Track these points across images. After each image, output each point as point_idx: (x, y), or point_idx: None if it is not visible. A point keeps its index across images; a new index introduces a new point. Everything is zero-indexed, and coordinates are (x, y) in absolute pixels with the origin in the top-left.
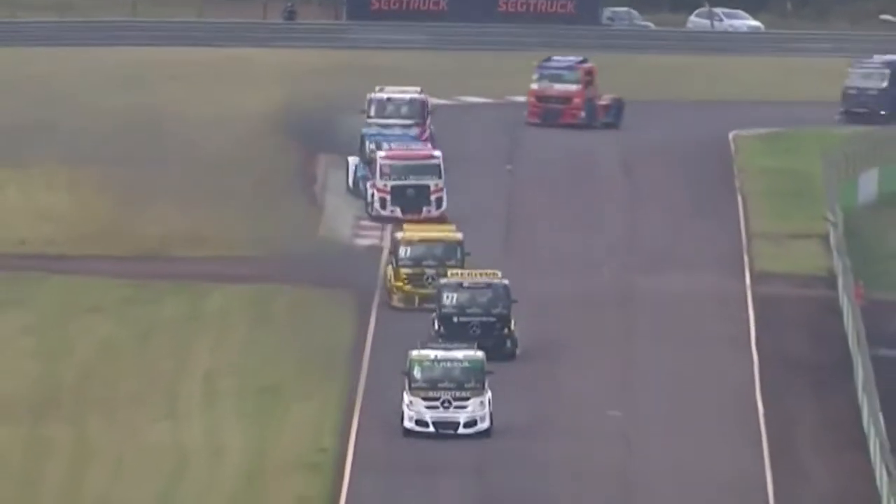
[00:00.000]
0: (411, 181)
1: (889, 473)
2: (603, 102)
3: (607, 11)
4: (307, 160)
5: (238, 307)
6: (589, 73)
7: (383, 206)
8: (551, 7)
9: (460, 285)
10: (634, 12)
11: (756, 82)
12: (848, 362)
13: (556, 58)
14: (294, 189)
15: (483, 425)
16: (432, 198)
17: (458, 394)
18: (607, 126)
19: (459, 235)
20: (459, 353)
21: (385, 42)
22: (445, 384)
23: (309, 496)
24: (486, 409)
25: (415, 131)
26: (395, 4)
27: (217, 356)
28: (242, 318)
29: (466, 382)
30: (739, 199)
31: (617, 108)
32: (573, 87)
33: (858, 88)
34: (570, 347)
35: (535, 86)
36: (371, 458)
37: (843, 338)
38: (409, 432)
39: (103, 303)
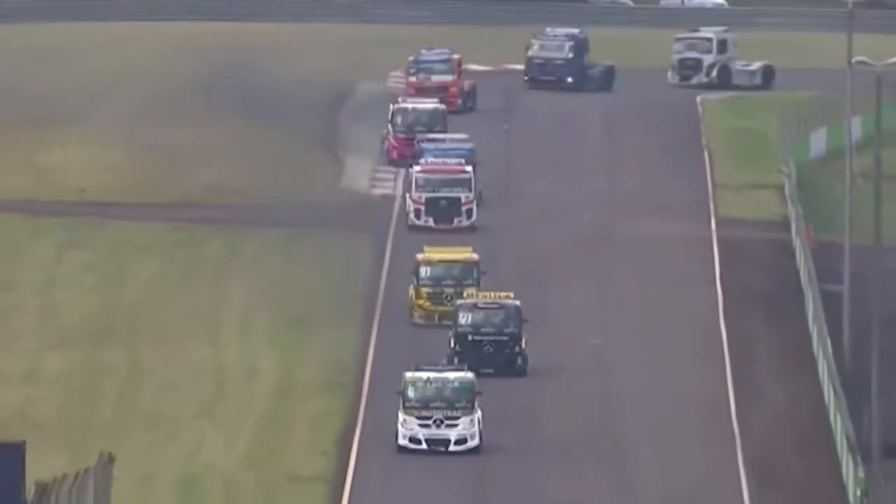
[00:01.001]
0: (444, 193)
1: (835, 392)
2: (594, 70)
3: None
4: (330, 123)
5: (270, 248)
6: (459, 63)
7: (418, 216)
8: None
9: (475, 306)
10: None
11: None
12: (800, 296)
13: (426, 51)
14: (318, 148)
15: (473, 443)
16: (463, 209)
17: (449, 413)
18: (600, 89)
19: (475, 256)
20: (451, 375)
21: (395, 17)
22: (437, 404)
23: (332, 411)
24: (476, 428)
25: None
26: None
27: (252, 291)
28: (274, 258)
29: (457, 402)
30: (706, 154)
31: (608, 73)
32: (449, 78)
33: (544, 58)
34: (555, 282)
35: (412, 78)
36: (386, 379)
37: (796, 274)
38: (402, 449)
39: (153, 244)
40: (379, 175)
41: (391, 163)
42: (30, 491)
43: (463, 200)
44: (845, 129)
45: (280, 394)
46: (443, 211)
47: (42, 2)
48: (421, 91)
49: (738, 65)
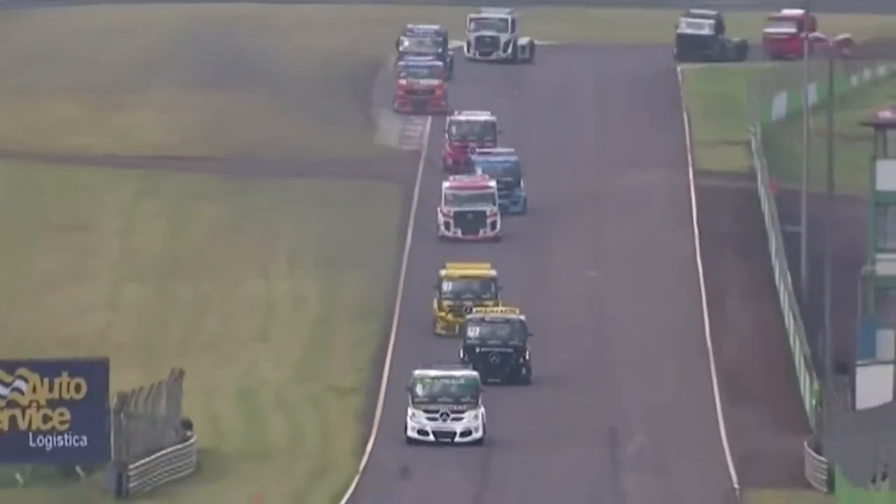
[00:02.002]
0: (470, 207)
1: (794, 317)
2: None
3: None
4: (364, 88)
5: (312, 196)
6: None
7: (447, 227)
8: None
9: (483, 320)
10: None
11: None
12: (764, 236)
13: (413, 58)
14: (355, 110)
15: (477, 435)
16: (488, 221)
17: (455, 407)
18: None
19: (493, 273)
20: (457, 372)
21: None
22: (444, 399)
23: (366, 335)
24: (480, 421)
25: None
26: None
27: (297, 232)
28: (316, 205)
29: (462, 397)
30: (685, 115)
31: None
32: (435, 81)
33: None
34: (555, 226)
35: (403, 81)
36: (413, 309)
37: (761, 217)
38: (411, 440)
39: (211, 193)
40: (408, 133)
41: (446, 168)
42: (113, 400)
43: (488, 213)
44: (803, 94)
45: (322, 320)
46: (469, 223)
47: None
48: (410, 92)
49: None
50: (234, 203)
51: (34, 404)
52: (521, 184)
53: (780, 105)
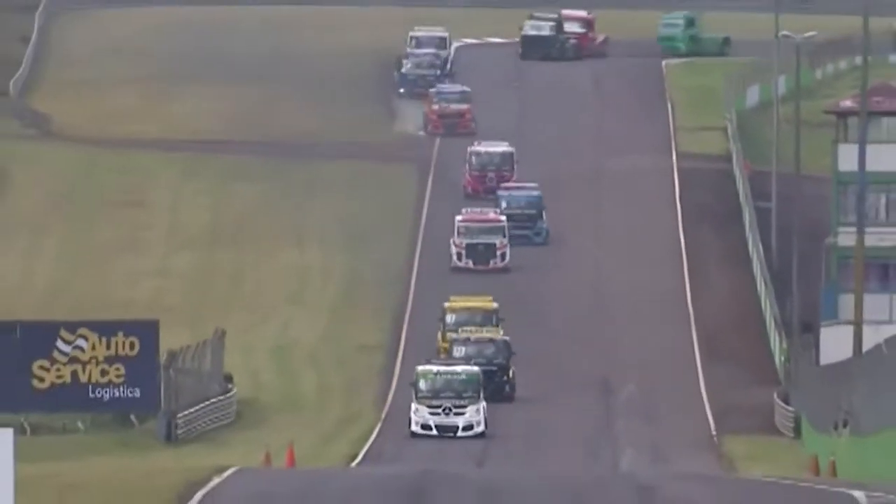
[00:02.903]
0: (481, 240)
1: (766, 283)
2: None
3: None
4: (385, 81)
5: (339, 177)
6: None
7: (459, 258)
8: None
9: (468, 340)
10: None
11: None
12: (739, 211)
13: (444, 86)
14: (377, 99)
15: (479, 429)
16: (498, 252)
17: (457, 402)
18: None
19: (495, 305)
20: (459, 368)
21: (434, 1)
22: (447, 394)
23: (387, 300)
24: (482, 416)
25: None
26: None
27: (325, 208)
28: (343, 184)
29: (464, 392)
30: (669, 105)
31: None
32: (464, 106)
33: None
34: (558, 206)
35: (435, 106)
36: (428, 278)
37: (736, 195)
38: (415, 435)
39: (250, 173)
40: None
41: (467, 196)
42: (163, 356)
43: (498, 245)
44: (773, 86)
45: (348, 287)
46: (480, 254)
47: None
48: (442, 117)
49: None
50: (270, 183)
51: (93, 360)
52: (544, 216)
53: (753, 95)
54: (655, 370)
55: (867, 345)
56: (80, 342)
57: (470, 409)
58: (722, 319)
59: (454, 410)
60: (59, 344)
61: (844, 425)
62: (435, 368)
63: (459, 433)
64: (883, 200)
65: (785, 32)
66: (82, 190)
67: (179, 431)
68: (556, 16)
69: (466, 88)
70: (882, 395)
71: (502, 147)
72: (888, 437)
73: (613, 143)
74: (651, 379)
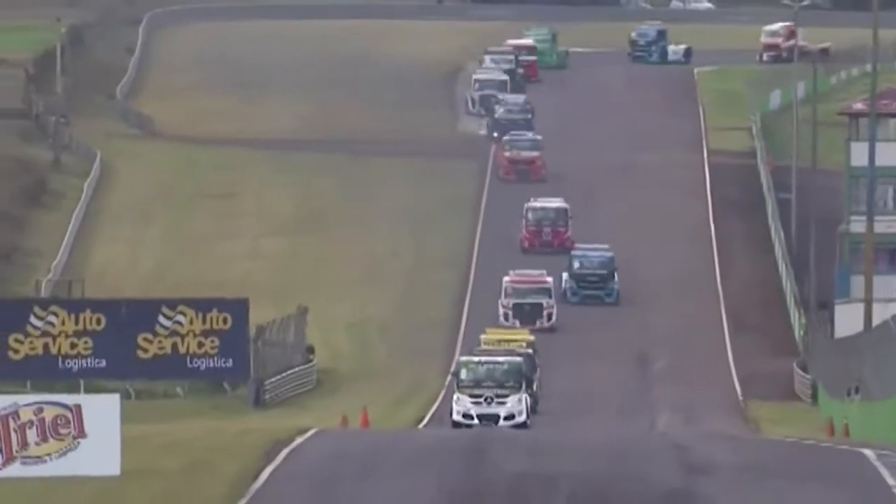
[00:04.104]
0: (529, 300)
1: (786, 266)
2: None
3: None
4: (448, 85)
5: (407, 170)
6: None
7: (506, 318)
8: None
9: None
10: None
11: (708, 39)
12: (762, 201)
13: (516, 133)
14: (440, 103)
15: (520, 419)
16: (544, 313)
17: (499, 391)
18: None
19: (531, 338)
20: (500, 357)
21: (489, 16)
22: (488, 383)
23: (451, 279)
24: (524, 405)
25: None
26: None
27: (395, 198)
28: (410, 177)
29: (506, 382)
30: (700, 106)
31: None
32: (535, 153)
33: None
34: (591, 196)
35: (507, 153)
36: (486, 260)
37: (760, 187)
38: (457, 424)
39: (329, 168)
40: (472, 100)
41: (524, 251)
42: (252, 330)
43: (544, 306)
44: (792, 90)
45: (415, 269)
46: (527, 314)
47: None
48: (514, 163)
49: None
50: (346, 176)
51: (191, 333)
52: (615, 277)
53: (775, 99)
54: (688, 342)
55: (876, 320)
56: (180, 318)
57: (512, 399)
58: (747, 297)
59: (496, 400)
60: (161, 319)
61: (856, 392)
62: (476, 358)
63: (501, 422)
64: (890, 192)
65: (803, 43)
66: (181, 183)
67: (266, 397)
68: (511, 50)
69: (538, 136)
70: (890, 365)
71: (557, 203)
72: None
73: (650, 140)
74: (684, 350)
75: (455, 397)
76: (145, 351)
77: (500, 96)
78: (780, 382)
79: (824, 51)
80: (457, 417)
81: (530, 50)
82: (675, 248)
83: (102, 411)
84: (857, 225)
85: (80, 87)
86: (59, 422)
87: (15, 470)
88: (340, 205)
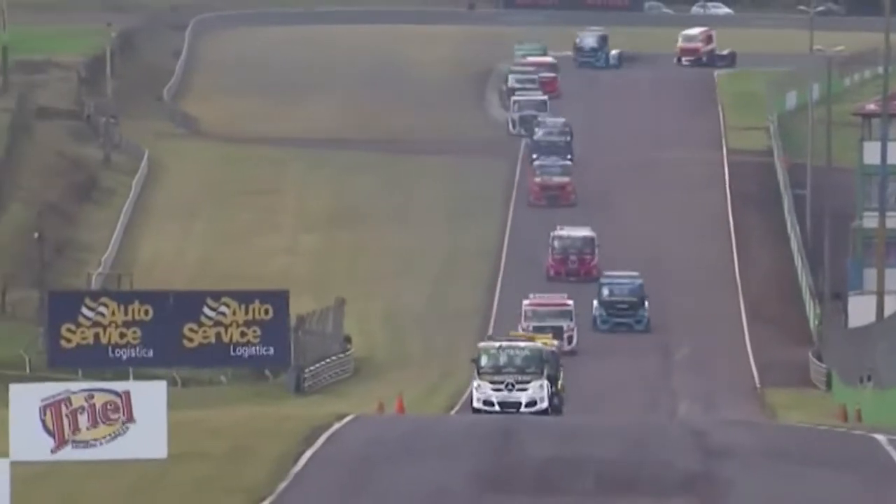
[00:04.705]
0: (548, 323)
1: (802, 258)
2: (722, 53)
3: (647, 5)
4: (479, 87)
5: (439, 167)
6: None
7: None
8: (614, 3)
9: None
10: (661, 4)
11: (727, 43)
12: (779, 197)
13: (547, 160)
14: (472, 104)
15: (542, 405)
16: (565, 335)
17: (520, 378)
18: (615, 67)
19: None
20: (521, 343)
21: (520, 21)
22: (509, 369)
23: (482, 271)
24: (545, 392)
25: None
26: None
27: (428, 194)
28: (442, 174)
29: (527, 368)
30: (719, 108)
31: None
32: (565, 179)
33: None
34: (612, 192)
35: (538, 179)
36: (516, 251)
37: (777, 183)
38: (477, 411)
39: (365, 165)
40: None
41: (549, 279)
42: (292, 320)
43: (565, 329)
44: (808, 92)
45: (448, 261)
46: None
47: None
48: (544, 189)
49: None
50: (381, 173)
51: (234, 323)
52: (645, 304)
53: (791, 100)
54: (707, 331)
55: (888, 311)
56: (223, 309)
57: (533, 385)
58: (764, 288)
59: (517, 386)
60: (206, 310)
61: (868, 379)
62: (497, 344)
63: (522, 409)
64: None
65: (818, 47)
66: (224, 180)
67: (306, 384)
68: (533, 69)
69: (568, 161)
70: None
71: (584, 232)
72: None
73: (672, 138)
74: (704, 339)
75: (475, 384)
76: (191, 340)
77: (540, 118)
78: (795, 370)
79: (731, 55)
80: (477, 404)
81: (550, 67)
82: (695, 240)
83: (150, 398)
84: (870, 220)
85: (129, 89)
86: (108, 408)
87: (67, 453)
88: (376, 200)
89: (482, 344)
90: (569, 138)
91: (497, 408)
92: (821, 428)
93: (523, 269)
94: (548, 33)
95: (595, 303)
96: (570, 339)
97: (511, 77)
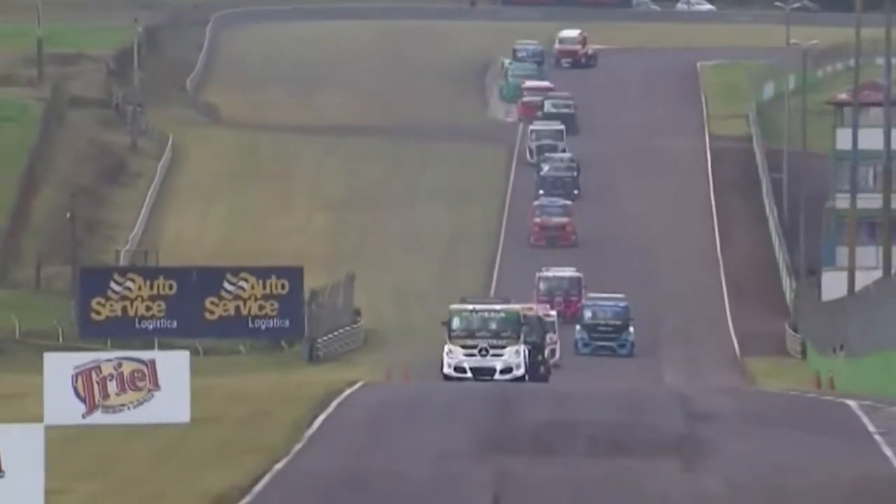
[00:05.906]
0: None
1: (779, 238)
2: (589, 53)
3: (634, 1)
4: (479, 76)
5: (444, 153)
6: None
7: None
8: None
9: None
10: (648, 1)
11: (710, 38)
12: (758, 181)
13: (549, 200)
14: (472, 92)
15: (518, 372)
16: (548, 349)
17: (494, 342)
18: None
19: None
20: (497, 306)
21: (519, 17)
22: (483, 333)
23: (482, 251)
24: (521, 358)
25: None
26: None
27: (433, 178)
28: (446, 158)
29: (503, 332)
30: (702, 97)
31: (594, 56)
32: (566, 219)
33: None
34: (611, 176)
35: (538, 220)
36: (514, 234)
37: (755, 168)
38: (448, 378)
39: (375, 151)
40: (510, 109)
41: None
42: (306, 294)
43: (547, 341)
44: (784, 82)
45: (453, 239)
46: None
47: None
48: (544, 229)
49: None
50: (390, 158)
51: (252, 297)
52: (630, 328)
53: (769, 90)
54: (692, 306)
55: (858, 286)
56: (242, 284)
57: (509, 351)
58: (744, 266)
59: (491, 352)
60: (226, 285)
61: (840, 349)
62: (470, 306)
63: (497, 376)
64: (871, 172)
65: (794, 41)
66: (243, 165)
67: (319, 353)
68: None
69: (568, 202)
70: (870, 325)
71: (570, 272)
72: (875, 359)
73: (659, 126)
74: (688, 313)
75: (447, 349)
76: (212, 313)
77: (547, 154)
78: (773, 341)
79: (594, 54)
80: (448, 370)
81: (545, 91)
82: (680, 221)
83: (174, 366)
84: (842, 201)
85: (154, 80)
86: (136, 375)
87: (97, 418)
88: (385, 184)
89: (454, 306)
90: (575, 173)
91: (469, 374)
92: (796, 394)
93: (520, 249)
94: (544, 29)
95: (577, 326)
96: (552, 353)
97: (532, 132)
